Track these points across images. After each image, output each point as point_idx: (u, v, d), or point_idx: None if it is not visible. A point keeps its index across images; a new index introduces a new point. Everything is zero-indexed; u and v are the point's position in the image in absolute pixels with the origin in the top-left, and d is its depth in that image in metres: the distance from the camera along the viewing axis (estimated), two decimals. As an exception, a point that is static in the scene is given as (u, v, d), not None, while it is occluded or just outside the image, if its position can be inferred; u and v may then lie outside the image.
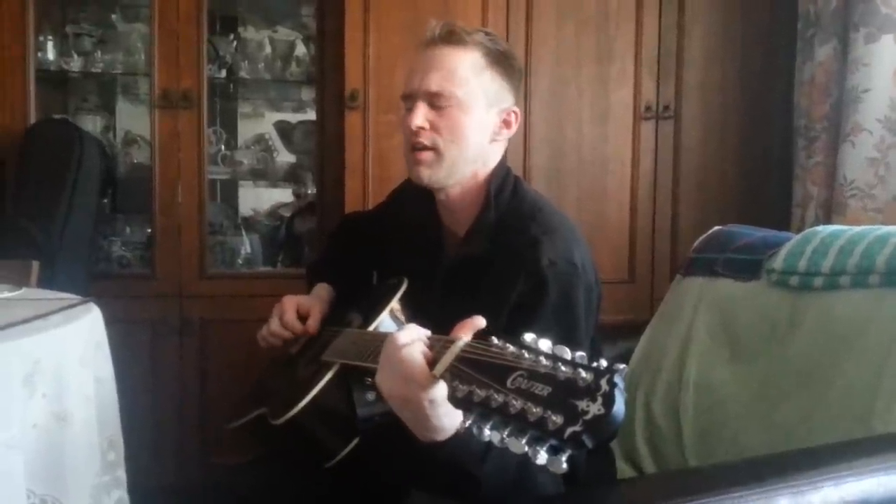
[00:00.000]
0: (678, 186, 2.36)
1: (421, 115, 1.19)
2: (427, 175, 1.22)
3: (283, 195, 2.77)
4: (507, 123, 1.25)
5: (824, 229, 1.44)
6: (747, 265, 1.52)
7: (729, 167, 2.38)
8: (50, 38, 2.40)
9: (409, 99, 1.22)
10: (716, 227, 1.71)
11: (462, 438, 0.74)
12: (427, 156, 1.21)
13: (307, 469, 1.21)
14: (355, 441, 1.10)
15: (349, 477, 1.16)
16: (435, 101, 1.19)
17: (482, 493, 0.92)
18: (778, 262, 1.43)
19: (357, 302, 1.32)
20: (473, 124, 1.21)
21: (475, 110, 1.20)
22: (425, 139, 1.20)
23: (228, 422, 1.29)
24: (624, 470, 1.47)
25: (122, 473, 1.26)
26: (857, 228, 1.40)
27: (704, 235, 1.70)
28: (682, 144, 2.35)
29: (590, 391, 0.62)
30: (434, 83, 1.19)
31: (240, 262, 2.60)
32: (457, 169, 1.22)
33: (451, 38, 1.20)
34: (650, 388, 1.55)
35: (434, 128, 1.20)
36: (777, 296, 1.42)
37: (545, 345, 0.69)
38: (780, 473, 0.92)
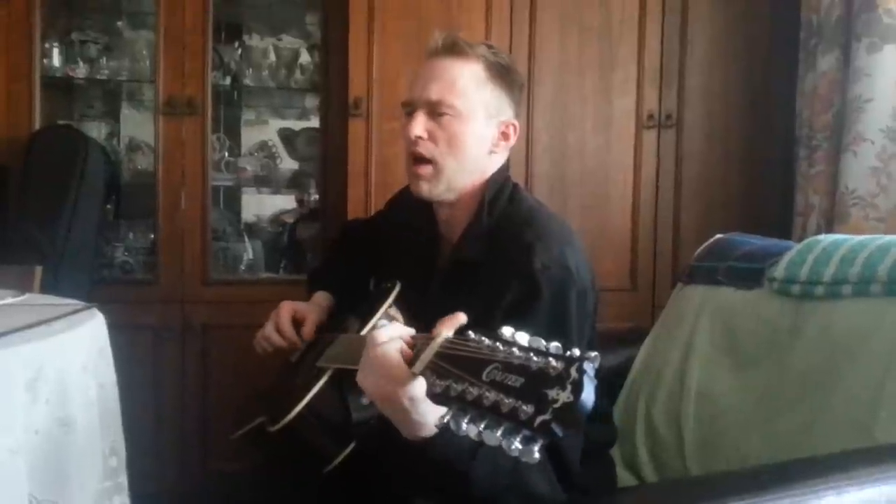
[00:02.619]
0: (680, 194, 2.36)
1: (420, 125, 1.20)
2: (427, 189, 1.23)
3: (286, 202, 2.78)
4: (505, 136, 1.26)
5: (826, 238, 1.44)
6: (749, 273, 1.52)
7: (731, 176, 2.38)
8: (56, 44, 2.42)
9: (409, 107, 1.23)
10: (717, 236, 1.71)
11: (448, 436, 0.75)
12: (426, 170, 1.22)
13: (306, 475, 1.21)
14: (351, 446, 1.11)
15: (348, 482, 1.16)
16: (434, 110, 1.20)
17: (473, 493, 0.92)
18: (779, 270, 1.43)
19: (355, 308, 1.32)
20: (472, 135, 1.22)
21: (474, 122, 1.21)
22: (423, 149, 1.21)
23: (231, 432, 1.29)
24: (625, 478, 1.46)
25: (123, 479, 1.26)
26: (858, 238, 1.40)
27: (706, 244, 1.70)
28: (684, 153, 2.36)
29: (560, 379, 0.62)
30: (434, 93, 1.20)
31: (242, 268, 2.61)
32: (456, 181, 1.23)
33: (454, 49, 1.21)
34: (651, 395, 1.55)
35: (432, 138, 1.21)
36: (778, 304, 1.42)
37: (522, 337, 0.69)
38: (782, 482, 0.92)
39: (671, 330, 1.61)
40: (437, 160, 1.21)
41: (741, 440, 1.35)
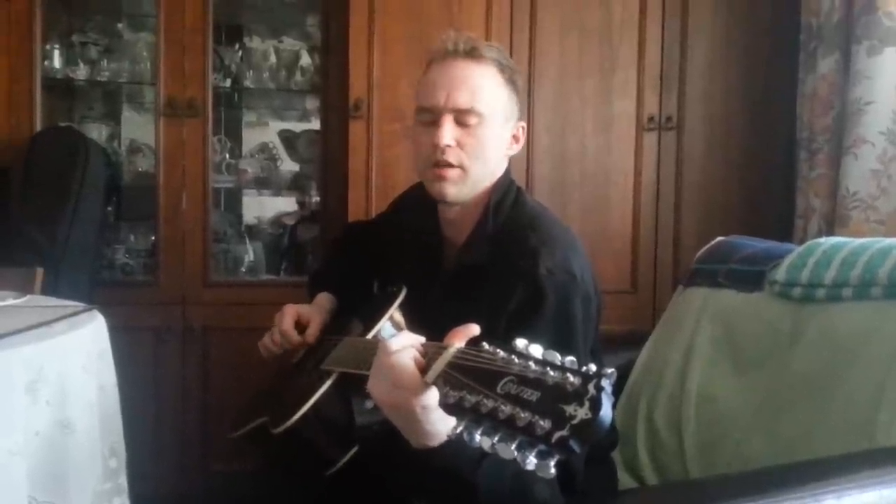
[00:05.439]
0: (680, 197, 2.36)
1: (449, 133, 1.17)
2: (453, 193, 1.20)
3: (287, 204, 2.78)
4: (516, 138, 1.26)
5: (827, 241, 1.44)
6: (750, 276, 1.52)
7: (731, 178, 2.38)
8: (56, 46, 2.42)
9: (431, 113, 1.20)
10: (718, 238, 1.71)
11: (455, 445, 0.75)
12: (453, 173, 1.19)
13: (308, 477, 1.21)
14: (354, 449, 1.11)
15: (349, 485, 1.16)
16: (462, 118, 1.18)
17: (477, 499, 0.92)
18: (780, 273, 1.43)
19: (358, 311, 1.32)
20: (494, 140, 1.21)
21: (495, 127, 1.21)
22: (452, 157, 1.18)
23: (231, 431, 1.30)
24: (626, 481, 1.46)
25: (123, 480, 1.27)
26: (859, 240, 1.40)
27: (707, 246, 1.70)
28: (684, 155, 2.36)
29: (577, 395, 0.62)
30: (464, 100, 1.17)
31: (243, 270, 2.61)
32: (478, 185, 1.22)
33: (473, 53, 1.19)
34: (652, 398, 1.55)
35: (460, 145, 1.18)
36: (779, 307, 1.42)
37: (536, 350, 0.69)
38: (782, 485, 0.92)
39: (672, 332, 1.61)
40: (465, 165, 1.19)
41: (742, 443, 1.35)
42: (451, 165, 1.19)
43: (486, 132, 1.19)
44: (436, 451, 0.85)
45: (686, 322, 1.58)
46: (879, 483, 0.92)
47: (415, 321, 1.17)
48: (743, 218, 2.33)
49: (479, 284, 1.16)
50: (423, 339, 0.86)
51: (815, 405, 1.26)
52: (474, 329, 0.82)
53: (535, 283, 1.09)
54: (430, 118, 1.20)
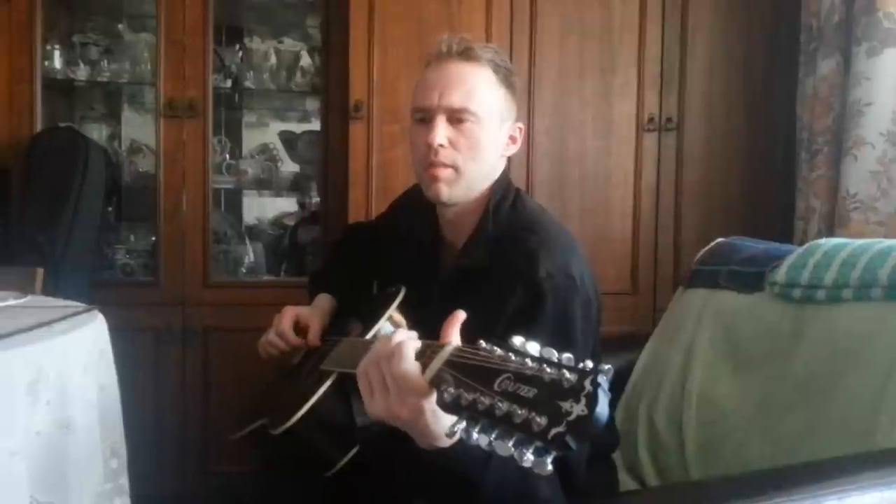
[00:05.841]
0: (681, 198, 2.36)
1: (442, 133, 1.18)
2: (447, 193, 1.21)
3: (287, 204, 2.79)
4: (513, 139, 1.26)
5: (827, 242, 1.44)
6: (750, 277, 1.52)
7: (731, 179, 2.38)
8: (57, 46, 2.42)
9: (424, 113, 1.20)
10: (718, 239, 1.71)
11: (463, 446, 0.75)
12: (447, 173, 1.19)
13: (308, 478, 1.21)
14: (354, 450, 1.11)
15: (350, 486, 1.16)
16: (455, 117, 1.18)
17: (480, 499, 0.92)
18: (780, 274, 1.43)
19: (357, 311, 1.32)
20: (490, 141, 1.21)
21: (491, 127, 1.20)
22: (445, 157, 1.19)
23: (231, 432, 1.29)
24: (626, 482, 1.46)
25: (124, 481, 1.27)
26: (859, 241, 1.40)
27: (707, 247, 1.70)
28: (684, 156, 2.36)
29: (574, 392, 0.62)
30: (456, 99, 1.18)
31: (243, 270, 2.61)
32: (474, 185, 1.22)
33: (468, 54, 1.20)
34: (653, 400, 1.55)
35: (453, 144, 1.19)
36: (780, 308, 1.42)
37: (533, 347, 0.69)
38: (783, 487, 0.92)
39: (672, 334, 1.61)
40: (458, 166, 1.19)
41: (742, 444, 1.35)
42: (444, 165, 1.19)
43: (480, 132, 1.19)
44: (445, 452, 0.84)
45: (686, 323, 1.58)
46: (880, 485, 0.92)
47: (414, 323, 1.17)
48: (743, 219, 2.33)
49: (479, 287, 1.15)
50: (415, 335, 0.86)
51: (816, 406, 1.26)
52: (460, 316, 0.83)
53: (534, 286, 1.09)
54: (424, 118, 1.21)
